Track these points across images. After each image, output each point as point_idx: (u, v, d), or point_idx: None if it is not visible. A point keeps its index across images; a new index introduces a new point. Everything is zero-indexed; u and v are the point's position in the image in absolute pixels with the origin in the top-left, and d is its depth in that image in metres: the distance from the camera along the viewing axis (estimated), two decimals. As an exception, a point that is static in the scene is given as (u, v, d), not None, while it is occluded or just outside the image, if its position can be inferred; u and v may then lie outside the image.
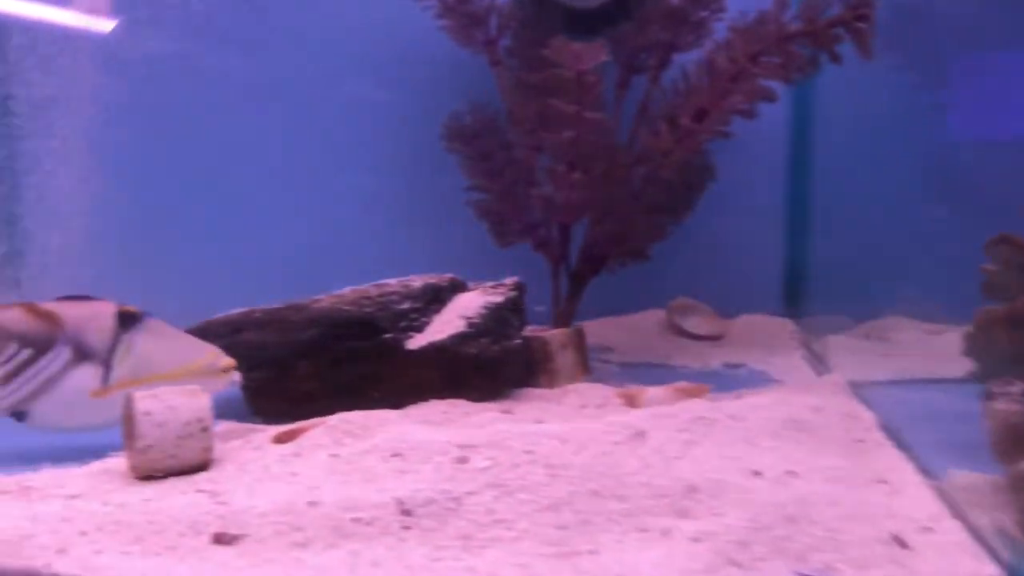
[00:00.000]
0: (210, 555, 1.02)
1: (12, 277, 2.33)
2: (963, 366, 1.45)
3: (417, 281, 1.76)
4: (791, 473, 1.17)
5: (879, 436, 1.40)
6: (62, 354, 1.39)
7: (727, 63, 1.68)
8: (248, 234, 2.30)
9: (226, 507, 1.08)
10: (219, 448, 1.33)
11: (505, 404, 1.66)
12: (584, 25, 2.10)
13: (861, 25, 1.64)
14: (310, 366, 1.63)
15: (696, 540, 1.03)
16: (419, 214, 2.31)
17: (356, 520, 1.07)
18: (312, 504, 1.09)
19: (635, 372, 2.00)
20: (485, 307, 1.73)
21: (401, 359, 1.64)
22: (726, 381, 1.90)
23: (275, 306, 1.71)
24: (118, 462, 1.37)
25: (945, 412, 1.49)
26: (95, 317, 1.42)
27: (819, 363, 2.02)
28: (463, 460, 1.17)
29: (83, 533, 1.01)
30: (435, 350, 1.64)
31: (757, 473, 1.16)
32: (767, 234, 2.40)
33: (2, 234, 2.31)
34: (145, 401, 1.26)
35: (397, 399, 1.61)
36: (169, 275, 2.23)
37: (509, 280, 1.82)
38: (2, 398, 1.38)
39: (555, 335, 1.82)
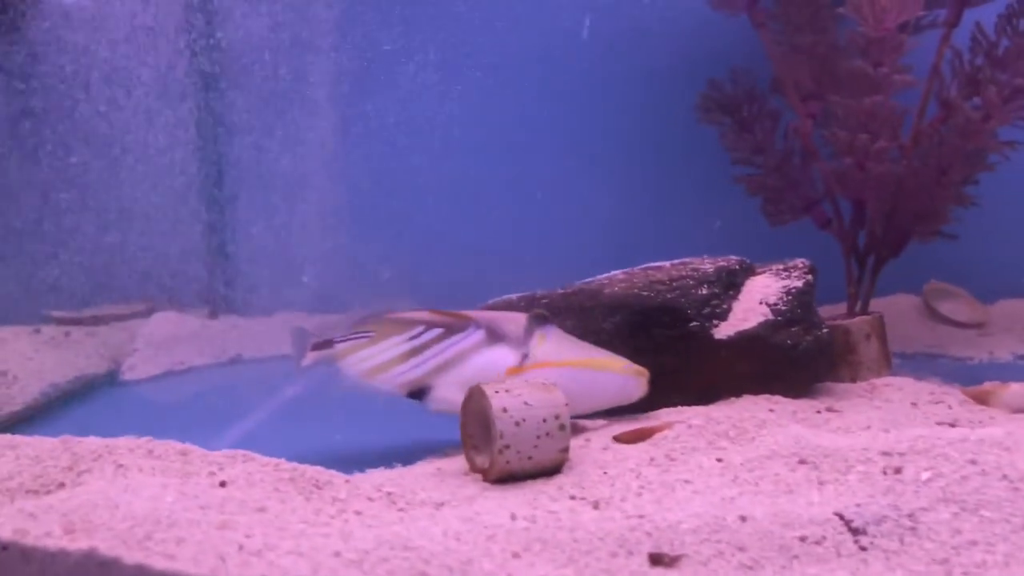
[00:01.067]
0: (654, 579, 0.88)
1: (220, 291, 2.26)
2: None
3: (707, 264, 1.60)
4: None
5: None
6: (475, 335, 1.33)
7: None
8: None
9: (648, 522, 0.94)
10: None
11: (823, 400, 1.49)
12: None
13: None
14: (613, 356, 1.49)
15: None
16: (668, 193, 2.16)
17: (801, 539, 0.92)
18: (744, 519, 0.94)
19: (920, 364, 1.82)
20: (787, 292, 1.56)
21: (709, 349, 1.49)
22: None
23: (558, 291, 1.58)
24: (448, 463, 1.25)
25: None
26: (507, 314, 1.38)
27: None
28: (897, 470, 1.01)
29: (516, 555, 0.88)
30: (746, 340, 1.48)
31: None
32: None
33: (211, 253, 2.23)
34: (500, 397, 1.13)
35: (705, 393, 1.46)
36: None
37: (799, 262, 1.64)
38: (400, 373, 1.31)
39: (857, 324, 1.64)
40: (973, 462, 1.01)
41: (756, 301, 1.56)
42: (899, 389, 1.54)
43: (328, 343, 1.31)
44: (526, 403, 1.14)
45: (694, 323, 1.50)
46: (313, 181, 2.14)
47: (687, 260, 1.66)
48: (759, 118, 1.87)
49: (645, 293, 1.53)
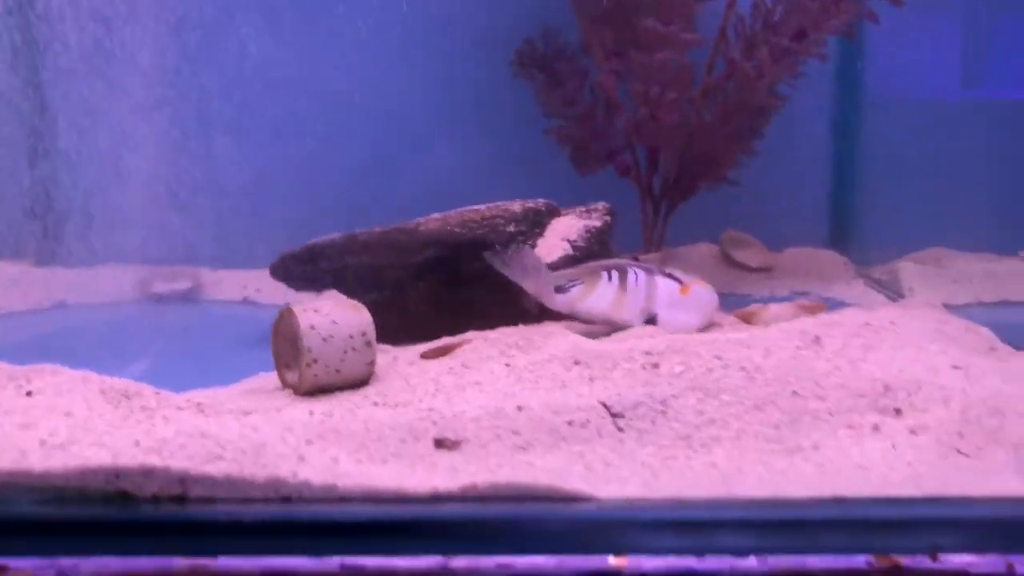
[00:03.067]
0: (437, 460, 0.99)
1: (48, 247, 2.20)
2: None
3: (516, 205, 1.73)
4: (973, 372, 1.18)
5: (1006, 347, 1.43)
6: (642, 272, 1.53)
7: (834, -18, 1.67)
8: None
9: (436, 413, 1.05)
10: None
11: (616, 326, 1.65)
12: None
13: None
14: (425, 288, 1.59)
15: (914, 433, 1.05)
16: (490, 143, 2.27)
17: (570, 423, 1.05)
18: (520, 409, 1.06)
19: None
20: (587, 231, 1.71)
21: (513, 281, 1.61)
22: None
23: (377, 230, 1.66)
24: (263, 382, 1.32)
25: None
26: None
27: (887, 289, 2.06)
28: (655, 366, 1.16)
29: (309, 441, 0.97)
30: (548, 272, 1.62)
31: (942, 371, 1.17)
32: (812, 167, 2.42)
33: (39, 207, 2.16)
34: (308, 315, 1.21)
35: (509, 322, 1.58)
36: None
37: (600, 205, 1.80)
38: (633, 305, 1.50)
39: (650, 259, 1.81)
40: (718, 357, 1.17)
41: (558, 238, 1.70)
42: (683, 316, 1.72)
43: (563, 288, 1.49)
44: (333, 321, 1.23)
45: (501, 257, 1.62)
46: (140, 127, 2.12)
47: (500, 203, 1.78)
48: (569, 75, 2.01)
49: (458, 230, 1.63)
